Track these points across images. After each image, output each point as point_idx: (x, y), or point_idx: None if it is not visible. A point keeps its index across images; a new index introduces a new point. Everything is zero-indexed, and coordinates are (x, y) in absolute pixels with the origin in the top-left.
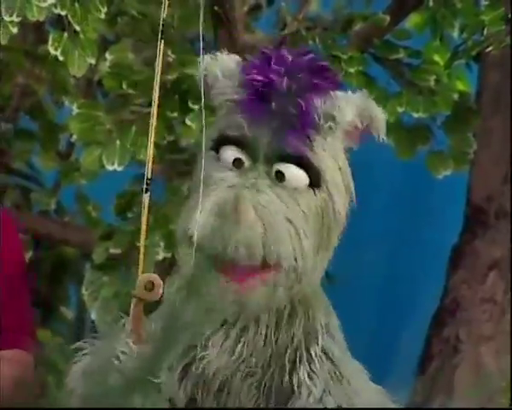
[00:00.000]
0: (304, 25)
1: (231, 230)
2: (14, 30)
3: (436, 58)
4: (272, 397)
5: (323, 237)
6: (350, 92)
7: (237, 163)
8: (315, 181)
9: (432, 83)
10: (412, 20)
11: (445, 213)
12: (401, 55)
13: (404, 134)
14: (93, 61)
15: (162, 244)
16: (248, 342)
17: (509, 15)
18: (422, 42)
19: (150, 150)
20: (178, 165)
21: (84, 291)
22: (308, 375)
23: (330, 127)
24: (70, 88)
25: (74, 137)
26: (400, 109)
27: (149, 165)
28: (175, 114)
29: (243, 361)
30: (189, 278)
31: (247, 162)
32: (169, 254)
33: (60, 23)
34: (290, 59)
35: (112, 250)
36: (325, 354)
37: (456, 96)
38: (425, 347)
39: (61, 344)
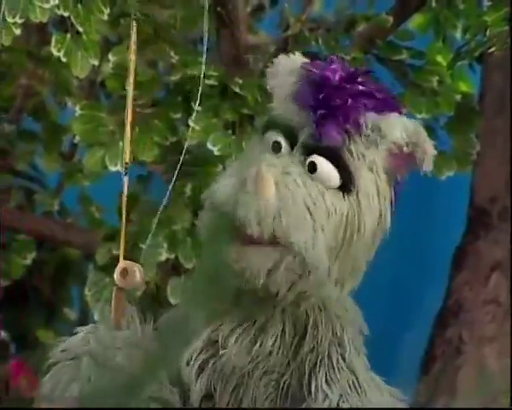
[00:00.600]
0: (307, 26)
1: (247, 198)
2: (17, 31)
3: (439, 59)
4: (289, 399)
5: (343, 244)
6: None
7: (276, 147)
8: (346, 184)
9: (435, 84)
10: (415, 21)
11: (447, 215)
12: (404, 55)
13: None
14: (96, 63)
15: (165, 245)
16: (266, 343)
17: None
18: (425, 43)
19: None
20: (182, 166)
21: (87, 292)
22: (326, 381)
23: (375, 139)
24: (73, 89)
25: (77, 138)
26: (403, 110)
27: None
28: (178, 115)
29: (262, 360)
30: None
31: (284, 148)
32: (172, 256)
33: (63, 24)
34: (355, 74)
35: (115, 251)
36: (346, 364)
37: (458, 96)
38: (428, 348)
39: None
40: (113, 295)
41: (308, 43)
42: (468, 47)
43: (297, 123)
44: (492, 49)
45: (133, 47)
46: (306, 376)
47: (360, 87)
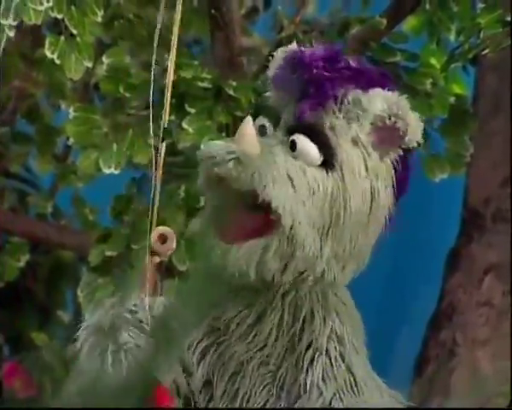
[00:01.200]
0: (300, 28)
1: (230, 146)
2: (11, 33)
3: (433, 61)
4: (284, 391)
5: (331, 221)
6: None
7: (262, 130)
8: (328, 160)
9: (428, 86)
10: (409, 24)
11: (441, 217)
12: (398, 58)
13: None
14: (90, 65)
15: None
16: (262, 332)
17: (509, 18)
18: (419, 45)
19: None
20: (175, 168)
21: (79, 293)
22: (322, 378)
23: (356, 114)
24: (67, 91)
25: (71, 140)
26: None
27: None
28: (172, 117)
29: (259, 350)
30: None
31: (269, 130)
32: (165, 258)
33: (56, 27)
34: (340, 54)
35: (107, 253)
36: (344, 362)
37: (452, 99)
38: (422, 350)
39: (57, 348)
40: (147, 260)
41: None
42: (462, 49)
43: (279, 105)
44: (486, 51)
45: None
46: (303, 371)
47: (341, 65)
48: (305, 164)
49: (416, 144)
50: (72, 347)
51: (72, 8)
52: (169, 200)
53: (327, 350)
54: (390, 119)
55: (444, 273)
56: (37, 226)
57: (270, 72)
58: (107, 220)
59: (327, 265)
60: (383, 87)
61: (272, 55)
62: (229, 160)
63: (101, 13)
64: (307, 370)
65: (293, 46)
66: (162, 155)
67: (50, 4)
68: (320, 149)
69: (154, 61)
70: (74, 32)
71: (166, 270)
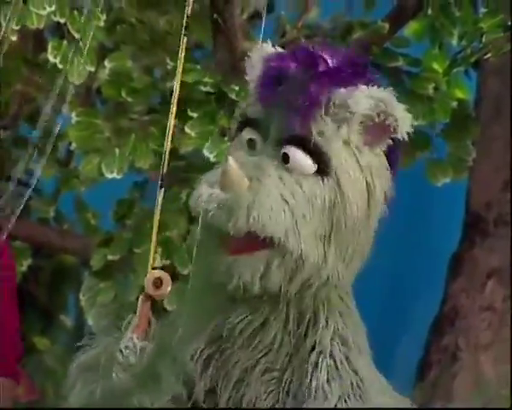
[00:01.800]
0: (303, 33)
1: (218, 194)
2: (14, 37)
3: (435, 66)
4: (290, 396)
5: (332, 229)
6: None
7: (251, 144)
8: (322, 167)
9: (431, 91)
10: (411, 28)
11: (444, 221)
12: (400, 62)
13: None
14: (92, 69)
15: (159, 251)
16: (266, 338)
17: (509, 23)
18: (421, 50)
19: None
20: (177, 172)
21: (81, 297)
22: (327, 381)
23: (344, 116)
24: (69, 96)
25: (73, 144)
26: (375, 76)
27: (165, 160)
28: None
29: (263, 356)
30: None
31: (259, 143)
32: (167, 262)
33: (59, 31)
34: (317, 51)
35: (110, 257)
36: (349, 364)
37: (454, 103)
38: (424, 354)
39: (60, 352)
40: (140, 303)
41: None
42: (464, 53)
43: (266, 118)
44: (488, 56)
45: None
46: (308, 374)
47: (322, 68)
48: (300, 175)
49: (405, 134)
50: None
51: (75, 12)
52: (171, 204)
53: (331, 352)
54: (379, 116)
55: (446, 278)
56: (39, 231)
57: (251, 79)
58: (110, 225)
59: (332, 270)
60: (364, 78)
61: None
62: (222, 211)
63: (103, 17)
64: (312, 373)
65: (267, 47)
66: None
67: (53, 9)
68: (313, 157)
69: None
70: (77, 36)
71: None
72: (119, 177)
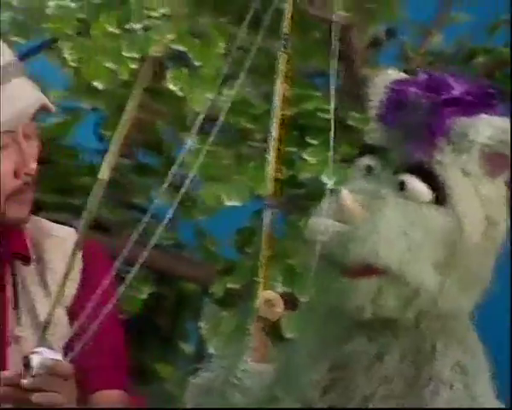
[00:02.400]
0: (426, 59)
1: (333, 225)
2: (134, 66)
3: None
4: None
5: (449, 258)
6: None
7: (369, 170)
8: (440, 196)
9: None
10: None
11: None
12: None
13: None
14: (212, 96)
15: (280, 279)
16: (385, 366)
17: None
18: None
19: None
20: (297, 199)
21: (202, 326)
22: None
23: (464, 145)
24: (189, 123)
25: (193, 172)
26: (498, 105)
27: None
28: (293, 149)
29: (382, 384)
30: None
31: (376, 170)
32: (287, 290)
33: (179, 59)
34: (441, 78)
35: (231, 285)
36: (469, 391)
37: None
38: None
39: (181, 379)
40: (254, 326)
41: None
42: None
43: (386, 144)
44: None
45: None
46: (427, 404)
47: (446, 95)
48: (418, 204)
49: None
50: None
51: (195, 40)
52: (290, 231)
53: (450, 381)
54: (497, 146)
55: None
56: (159, 258)
57: (374, 105)
58: (230, 252)
59: (449, 299)
60: (488, 108)
61: (373, 82)
62: (337, 243)
63: (223, 44)
64: (431, 403)
65: (391, 73)
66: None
67: (173, 37)
68: (431, 185)
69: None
70: (197, 64)
71: (288, 302)
72: (238, 204)
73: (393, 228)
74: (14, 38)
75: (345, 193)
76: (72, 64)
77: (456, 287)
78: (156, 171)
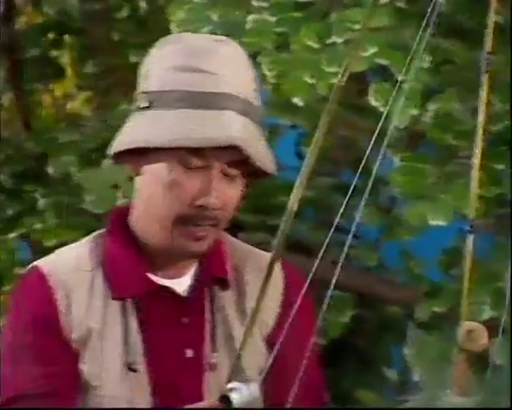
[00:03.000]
0: None
1: None
2: (334, 81)
3: None
4: None
5: None
6: None
7: None
8: None
9: None
10: None
11: None
12: None
13: None
14: (416, 112)
15: (488, 302)
16: None
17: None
18: None
19: None
20: (505, 219)
21: (407, 351)
22: None
23: None
24: (392, 139)
25: (397, 190)
26: None
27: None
28: (502, 166)
29: None
30: None
31: None
32: (496, 314)
33: (381, 73)
34: None
35: (436, 309)
36: None
37: None
38: None
39: (385, 408)
40: (457, 358)
41: None
42: None
43: None
44: None
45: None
46: None
47: None
48: None
49: None
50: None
51: (398, 53)
52: (498, 252)
53: None
54: None
55: None
56: (361, 280)
57: None
58: (436, 274)
59: None
60: None
61: None
62: None
63: (428, 58)
64: None
65: None
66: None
67: (375, 50)
68: None
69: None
70: (400, 78)
71: (496, 327)
72: (444, 224)
73: None
74: None
75: None
76: (272, 81)
77: None
78: (359, 190)
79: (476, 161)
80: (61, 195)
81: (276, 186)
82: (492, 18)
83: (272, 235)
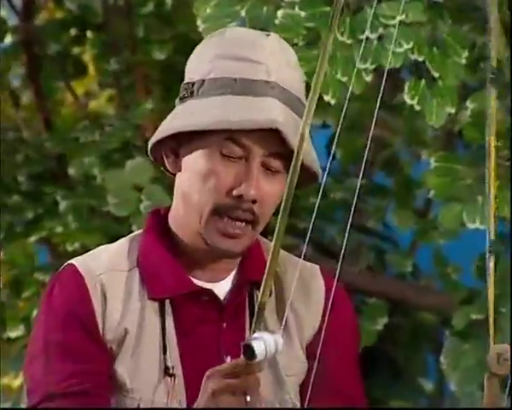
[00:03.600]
0: None
1: None
2: (369, 78)
3: None
4: None
5: None
6: None
7: None
8: None
9: None
10: None
11: None
12: None
13: None
14: (453, 111)
15: None
16: None
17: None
18: None
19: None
20: None
21: (442, 360)
22: None
23: None
24: (428, 139)
25: (432, 192)
26: None
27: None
28: None
29: None
30: None
31: None
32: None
33: (417, 70)
34: None
35: (473, 316)
36: None
37: None
38: None
39: None
40: (485, 380)
41: None
42: None
43: None
44: None
45: None
46: None
47: None
48: None
49: None
50: None
51: (434, 49)
52: None
53: None
54: None
55: None
56: (395, 286)
57: None
58: (472, 281)
59: None
60: None
61: None
62: None
63: (465, 54)
64: None
65: None
66: None
67: (410, 46)
68: None
69: None
70: (436, 75)
71: None
72: (481, 227)
73: None
74: None
75: None
76: (304, 78)
77: None
78: (391, 191)
79: (491, 181)
80: (82, 197)
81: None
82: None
83: (302, 239)
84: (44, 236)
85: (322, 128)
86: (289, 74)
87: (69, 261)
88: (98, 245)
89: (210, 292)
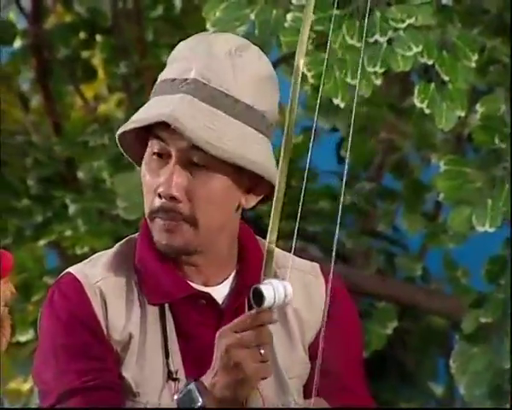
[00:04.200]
0: None
1: None
2: (378, 81)
3: None
4: None
5: None
6: None
7: None
8: None
9: None
10: None
11: None
12: None
13: None
14: (462, 114)
15: None
16: None
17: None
18: None
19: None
20: None
21: (451, 363)
22: None
23: None
24: (437, 143)
25: (441, 196)
26: None
27: None
28: None
29: None
30: None
31: None
32: None
33: (426, 73)
34: None
35: (483, 319)
36: None
37: None
38: None
39: None
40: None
41: None
42: None
43: None
44: None
45: None
46: None
47: None
48: None
49: None
50: None
51: (444, 52)
52: None
53: None
54: None
55: None
56: (405, 290)
57: None
58: (482, 284)
59: None
60: None
61: None
62: None
63: (475, 57)
64: None
65: None
66: None
67: (420, 49)
68: None
69: None
70: (446, 78)
71: None
72: (491, 230)
73: None
74: None
75: None
76: (312, 81)
77: None
78: (400, 195)
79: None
80: (91, 200)
81: (315, 191)
82: None
83: (312, 242)
84: (54, 239)
85: (331, 132)
86: (232, 75)
87: (67, 270)
88: (107, 249)
89: (208, 296)
